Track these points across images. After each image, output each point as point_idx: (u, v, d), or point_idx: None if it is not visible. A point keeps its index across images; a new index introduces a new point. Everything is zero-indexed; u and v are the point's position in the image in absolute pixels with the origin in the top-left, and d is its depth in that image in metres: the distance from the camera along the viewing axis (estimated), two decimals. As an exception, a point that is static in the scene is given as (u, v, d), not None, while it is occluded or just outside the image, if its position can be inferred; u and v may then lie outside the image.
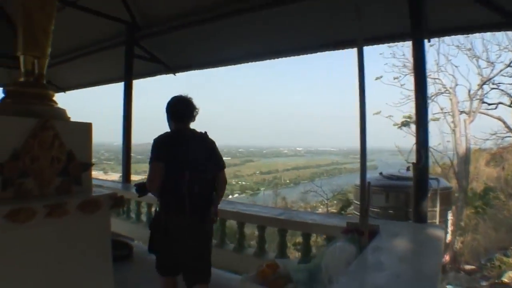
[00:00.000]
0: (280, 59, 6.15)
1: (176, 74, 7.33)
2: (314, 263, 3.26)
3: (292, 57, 6.10)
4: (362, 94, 3.16)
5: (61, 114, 2.72)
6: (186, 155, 3.04)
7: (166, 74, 7.40)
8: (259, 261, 3.96)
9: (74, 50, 7.66)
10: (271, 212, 4.58)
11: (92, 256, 2.58)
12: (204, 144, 3.19)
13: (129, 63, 6.41)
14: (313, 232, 4.09)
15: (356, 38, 3.30)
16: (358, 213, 6.83)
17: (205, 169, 3.10)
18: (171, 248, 3.09)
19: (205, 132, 3.23)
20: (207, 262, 3.22)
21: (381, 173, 7.12)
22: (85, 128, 2.78)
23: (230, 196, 45.84)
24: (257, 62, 6.65)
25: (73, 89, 9.83)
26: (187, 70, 7.47)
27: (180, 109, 3.19)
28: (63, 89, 9.63)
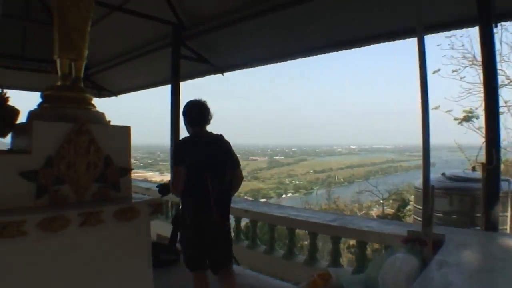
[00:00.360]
0: (332, 54, 5.81)
1: (224, 74, 7.22)
2: (370, 275, 2.99)
3: (344, 53, 5.74)
4: (424, 87, 2.82)
5: (98, 118, 2.62)
6: (206, 159, 3.24)
7: (214, 74, 7.29)
8: (310, 270, 3.74)
9: (122, 54, 7.77)
10: (323, 217, 4.30)
11: (130, 265, 2.44)
12: (220, 146, 3.38)
13: (176, 64, 6.34)
14: (369, 240, 3.78)
15: (416, 26, 2.98)
16: (418, 218, 6.35)
17: (224, 172, 3.32)
18: (198, 244, 3.32)
19: (221, 134, 3.43)
20: (229, 252, 3.48)
21: (443, 174, 6.50)
22: (123, 132, 2.67)
23: (283, 195, 45.94)
24: (306, 58, 6.31)
25: (124, 93, 10.00)
26: (235, 70, 7.30)
27: (196, 114, 3.40)
28: (115, 93, 9.85)
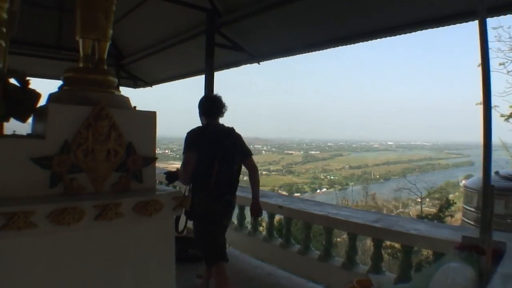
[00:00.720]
0: (369, 45, 5.34)
1: (260, 63, 6.93)
2: (416, 285, 2.66)
3: (382, 46, 5.28)
4: (486, 77, 2.42)
5: (121, 102, 2.41)
6: (215, 147, 3.35)
7: (250, 63, 7.02)
8: (348, 275, 3.46)
9: (157, 43, 7.55)
10: (365, 217, 3.96)
11: (150, 263, 2.23)
12: (230, 137, 3.50)
13: (210, 52, 6.07)
14: (416, 245, 3.43)
15: (477, 8, 2.59)
16: (467, 220, 5.87)
17: (232, 160, 3.42)
18: (209, 235, 3.44)
19: (232, 127, 3.57)
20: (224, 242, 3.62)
21: (497, 172, 5.96)
22: (149, 118, 2.45)
23: (318, 190, 45.54)
24: (345, 49, 5.87)
25: (159, 83, 9.91)
26: (271, 58, 6.93)
27: (210, 106, 3.59)
28: (150, 83, 9.77)
